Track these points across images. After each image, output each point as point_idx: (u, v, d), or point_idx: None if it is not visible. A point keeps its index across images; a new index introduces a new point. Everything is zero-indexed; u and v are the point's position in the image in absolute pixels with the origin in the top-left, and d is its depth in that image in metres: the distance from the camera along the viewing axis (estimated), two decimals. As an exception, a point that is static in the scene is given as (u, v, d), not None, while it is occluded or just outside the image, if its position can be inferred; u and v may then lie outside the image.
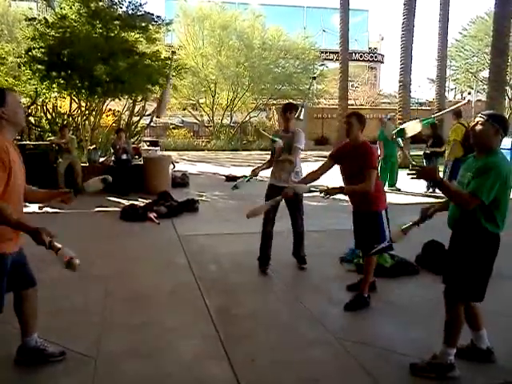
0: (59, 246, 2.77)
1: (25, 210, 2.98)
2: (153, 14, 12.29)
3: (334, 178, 4.55)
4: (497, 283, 4.74)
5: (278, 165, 5.09)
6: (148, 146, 16.25)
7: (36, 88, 12.20)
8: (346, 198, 4.46)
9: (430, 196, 9.28)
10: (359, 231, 4.27)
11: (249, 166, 16.56)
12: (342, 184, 4.27)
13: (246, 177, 5.10)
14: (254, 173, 5.12)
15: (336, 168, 4.38)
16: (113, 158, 10.68)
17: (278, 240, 5.87)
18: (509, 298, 4.40)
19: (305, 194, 4.93)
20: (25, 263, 2.98)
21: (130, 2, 11.89)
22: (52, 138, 11.34)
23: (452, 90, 39.41)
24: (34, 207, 8.18)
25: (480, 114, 2.97)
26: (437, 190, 9.40)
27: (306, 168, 5.52)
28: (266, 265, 5.18)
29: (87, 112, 13.35)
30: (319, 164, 4.53)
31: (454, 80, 34.21)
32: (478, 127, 2.91)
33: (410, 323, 3.80)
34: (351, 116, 4.27)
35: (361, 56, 41.63)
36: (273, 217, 5.11)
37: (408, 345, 3.34)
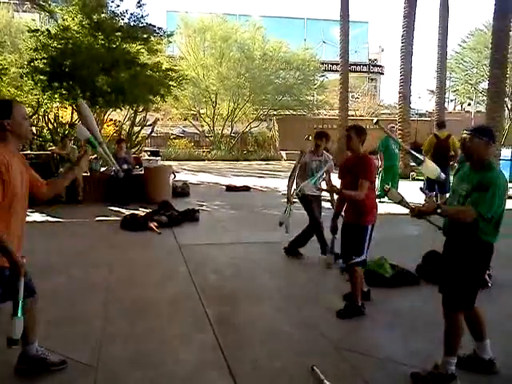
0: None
1: (26, 218, 2.99)
2: (154, 26, 12.43)
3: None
4: (495, 293, 4.77)
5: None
6: (149, 155, 16.31)
7: (38, 98, 12.31)
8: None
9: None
10: (344, 242, 4.30)
11: (249, 176, 16.62)
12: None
13: (289, 211, 5.56)
14: (291, 202, 5.67)
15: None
16: (114, 168, 10.71)
17: (277, 250, 5.90)
18: (508, 307, 4.40)
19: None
20: (25, 273, 2.97)
21: (131, 14, 12.04)
22: (53, 147, 11.40)
23: (452, 101, 39.63)
24: (35, 216, 8.22)
25: (465, 131, 3.04)
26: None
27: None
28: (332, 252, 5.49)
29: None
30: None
31: (454, 91, 34.37)
32: (467, 144, 3.00)
33: (410, 333, 3.80)
34: (351, 129, 4.33)
35: (361, 67, 41.81)
36: (319, 214, 5.79)
37: (407, 355, 3.35)
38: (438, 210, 2.90)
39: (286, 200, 5.80)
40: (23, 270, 2.70)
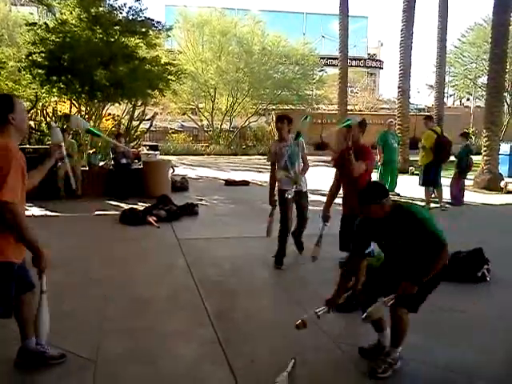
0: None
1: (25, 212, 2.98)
2: (153, 20, 12.38)
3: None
4: (494, 289, 4.78)
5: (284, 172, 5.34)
6: (148, 150, 16.28)
7: (36, 92, 12.26)
8: (340, 201, 4.49)
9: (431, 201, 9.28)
10: (347, 234, 4.29)
11: (248, 170, 16.60)
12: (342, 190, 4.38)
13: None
14: (273, 204, 5.39)
15: (329, 175, 4.44)
16: (112, 162, 10.71)
17: (276, 244, 5.87)
18: (506, 302, 4.41)
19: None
20: (24, 267, 2.99)
21: (130, 8, 11.99)
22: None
23: (451, 96, 39.56)
24: (33, 210, 8.21)
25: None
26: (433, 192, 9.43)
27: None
28: (281, 264, 5.39)
29: (87, 116, 13.39)
30: (318, 168, 4.57)
31: (453, 86, 34.30)
32: (364, 212, 3.07)
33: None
34: None
35: (360, 62, 41.75)
36: (291, 215, 5.38)
37: (405, 349, 3.35)
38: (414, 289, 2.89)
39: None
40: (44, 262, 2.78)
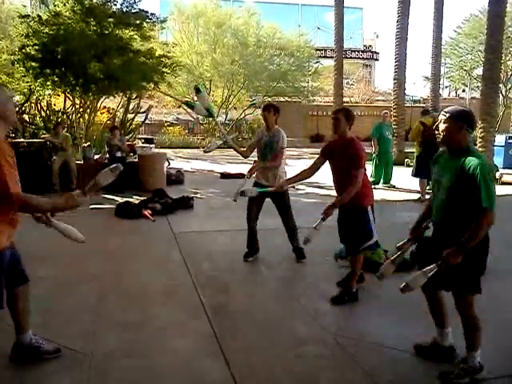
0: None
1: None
2: (147, 12, 12.29)
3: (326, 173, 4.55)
4: (488, 280, 4.79)
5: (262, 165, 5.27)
6: (143, 143, 16.23)
7: (30, 85, 12.16)
8: (335, 194, 4.47)
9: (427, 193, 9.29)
10: (345, 227, 4.29)
11: (244, 163, 16.57)
12: (332, 179, 4.37)
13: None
14: (249, 175, 5.29)
15: (326, 168, 4.43)
16: (107, 156, 10.66)
17: (271, 237, 5.89)
18: (500, 294, 4.43)
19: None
20: (19, 260, 2.98)
21: (124, 0, 11.88)
22: (46, 135, 11.31)
23: (446, 87, 39.54)
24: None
25: (443, 112, 2.88)
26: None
27: (302, 165, 5.54)
28: (251, 256, 5.36)
29: (81, 109, 13.31)
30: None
31: (449, 77, 34.30)
32: (441, 126, 2.85)
33: (401, 318, 3.82)
34: (338, 112, 4.27)
35: (356, 53, 41.68)
36: (255, 214, 5.30)
37: (399, 339, 3.38)
38: (459, 257, 2.75)
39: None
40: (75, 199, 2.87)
